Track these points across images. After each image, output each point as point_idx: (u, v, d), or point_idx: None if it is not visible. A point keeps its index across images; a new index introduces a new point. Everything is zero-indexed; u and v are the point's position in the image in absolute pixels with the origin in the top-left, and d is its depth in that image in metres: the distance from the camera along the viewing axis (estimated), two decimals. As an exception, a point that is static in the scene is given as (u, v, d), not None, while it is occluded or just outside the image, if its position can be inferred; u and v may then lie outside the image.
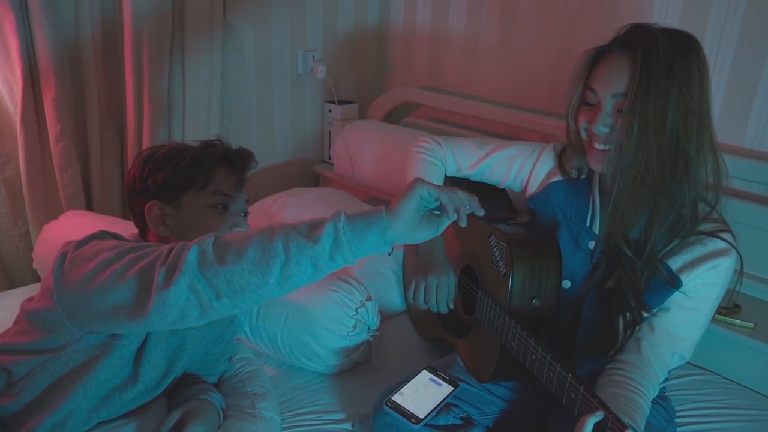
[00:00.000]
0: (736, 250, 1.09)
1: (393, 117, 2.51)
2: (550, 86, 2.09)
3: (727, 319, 1.49)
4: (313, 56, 2.45)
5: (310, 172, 2.64)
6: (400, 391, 1.21)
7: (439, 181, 1.36)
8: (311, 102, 2.55)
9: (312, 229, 0.84)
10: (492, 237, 1.24)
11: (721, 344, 1.48)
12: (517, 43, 2.15)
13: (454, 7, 2.31)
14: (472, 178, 1.42)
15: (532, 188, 1.31)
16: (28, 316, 1.04)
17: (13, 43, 1.70)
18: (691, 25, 1.67)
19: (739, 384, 1.47)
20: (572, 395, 0.96)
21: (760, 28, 1.56)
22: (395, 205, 0.85)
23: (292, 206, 1.93)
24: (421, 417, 1.15)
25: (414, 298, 1.36)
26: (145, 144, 1.99)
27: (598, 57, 1.09)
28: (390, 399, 1.19)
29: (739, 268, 1.10)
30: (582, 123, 1.12)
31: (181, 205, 1.12)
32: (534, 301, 1.18)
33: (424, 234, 0.88)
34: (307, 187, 2.19)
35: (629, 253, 1.07)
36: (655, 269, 1.07)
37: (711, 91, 1.05)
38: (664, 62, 0.99)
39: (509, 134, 2.18)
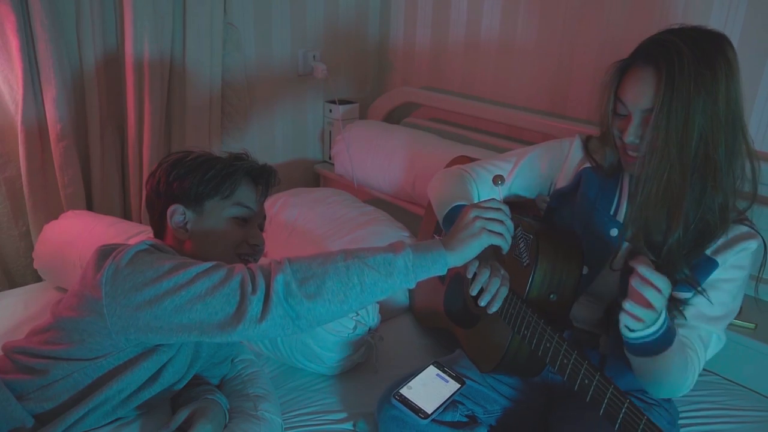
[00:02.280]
0: (761, 236, 1.11)
1: (393, 117, 2.51)
2: (550, 87, 2.09)
3: (728, 319, 1.49)
4: (314, 56, 2.45)
5: (310, 172, 2.64)
6: (408, 384, 1.21)
7: (473, 196, 1.34)
8: (312, 102, 2.55)
9: (385, 265, 0.96)
10: (519, 228, 1.24)
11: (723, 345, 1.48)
12: (519, 43, 2.15)
13: (455, 7, 2.31)
14: (506, 194, 1.41)
15: (563, 182, 1.31)
16: (62, 325, 1.04)
17: (14, 43, 1.70)
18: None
19: (741, 385, 1.47)
20: (586, 381, 0.98)
21: (760, 29, 1.56)
22: (456, 247, 0.99)
23: (292, 206, 1.93)
24: (429, 412, 1.16)
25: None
26: (146, 144, 1.99)
27: (624, 69, 1.11)
28: (398, 392, 1.19)
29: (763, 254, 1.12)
30: (615, 131, 1.15)
31: (203, 211, 1.16)
32: (551, 296, 1.18)
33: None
34: (307, 187, 2.19)
35: (650, 255, 1.09)
36: (676, 269, 1.08)
37: (742, 93, 1.06)
38: (688, 75, 1.00)
39: (509, 134, 2.18)
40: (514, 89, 2.20)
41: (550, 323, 1.07)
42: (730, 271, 1.10)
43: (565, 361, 1.02)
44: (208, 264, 0.99)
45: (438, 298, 1.55)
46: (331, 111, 2.52)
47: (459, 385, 1.22)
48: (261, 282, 0.95)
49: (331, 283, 0.94)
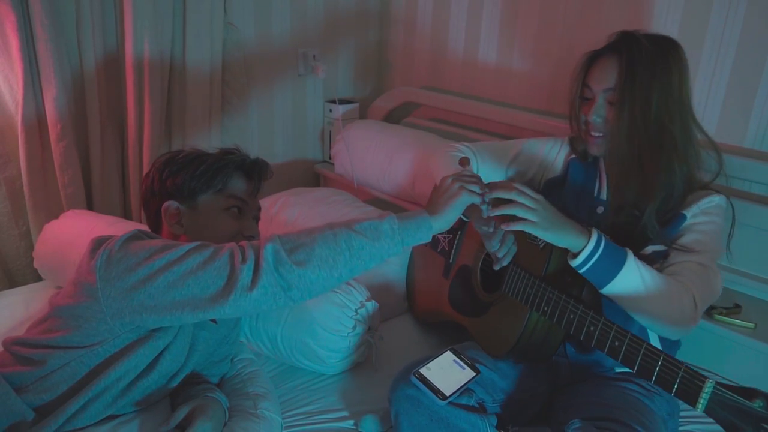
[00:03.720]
0: (726, 197, 1.23)
1: (394, 117, 2.52)
2: (550, 87, 2.09)
3: (727, 319, 1.49)
4: (314, 56, 2.45)
5: (310, 172, 2.64)
6: (427, 365, 1.22)
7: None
8: (312, 102, 2.56)
9: (371, 230, 0.99)
10: None
11: (722, 344, 1.49)
12: (519, 43, 2.15)
13: (454, 6, 2.32)
14: (509, 173, 1.51)
15: (555, 171, 1.44)
16: (59, 313, 1.06)
17: (14, 43, 1.70)
18: (692, 26, 1.67)
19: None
20: (616, 343, 1.03)
21: (760, 28, 1.56)
22: (438, 210, 1.04)
23: (292, 206, 1.93)
24: (447, 394, 1.17)
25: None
26: (146, 144, 1.99)
27: (592, 59, 1.27)
28: (418, 371, 1.20)
29: (731, 214, 1.24)
30: (582, 116, 1.30)
31: (197, 206, 1.19)
32: (567, 278, 1.21)
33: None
34: (307, 187, 2.19)
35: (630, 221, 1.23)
36: (649, 230, 1.20)
37: (690, 85, 1.22)
38: (646, 59, 1.17)
39: (509, 134, 2.18)
40: (514, 89, 2.20)
41: (572, 297, 1.12)
42: (699, 216, 1.20)
43: (592, 328, 1.07)
44: (198, 243, 1.02)
45: (442, 293, 1.56)
46: (331, 111, 2.52)
47: (474, 374, 1.24)
48: (251, 253, 0.97)
49: (320, 249, 0.97)
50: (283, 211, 1.92)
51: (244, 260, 0.96)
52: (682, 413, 1.32)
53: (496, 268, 1.19)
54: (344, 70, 2.60)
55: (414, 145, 2.11)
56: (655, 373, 0.95)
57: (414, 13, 2.49)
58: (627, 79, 1.17)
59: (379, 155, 2.18)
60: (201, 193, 1.19)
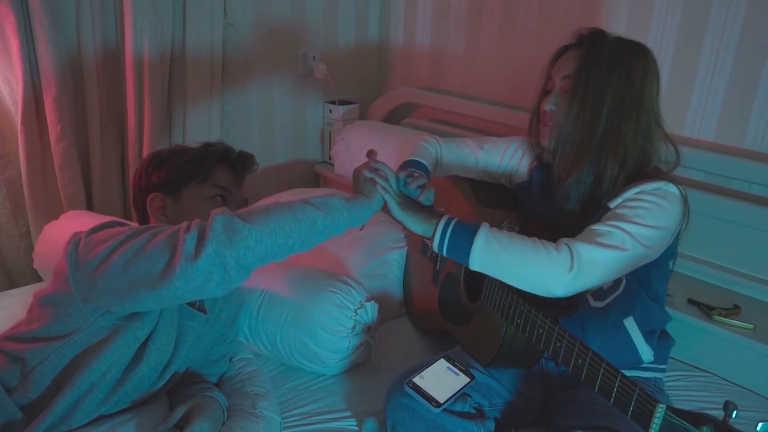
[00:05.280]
0: (676, 185, 1.16)
1: (393, 117, 2.52)
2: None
3: (726, 320, 1.49)
4: (314, 56, 2.45)
5: (310, 172, 2.64)
6: (420, 374, 1.23)
7: (429, 160, 1.43)
8: (312, 102, 2.56)
9: (322, 204, 1.02)
10: (505, 222, 1.29)
11: (721, 346, 1.49)
12: (519, 43, 2.15)
13: (454, 6, 2.32)
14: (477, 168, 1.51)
15: (521, 176, 1.44)
16: (40, 302, 1.08)
17: (14, 43, 1.71)
18: (692, 25, 1.67)
19: (739, 385, 1.47)
20: (579, 361, 1.01)
21: (760, 28, 1.56)
22: (364, 194, 1.13)
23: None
24: (441, 402, 1.17)
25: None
26: (146, 144, 1.99)
27: (560, 53, 1.26)
28: (411, 380, 1.21)
29: (682, 199, 1.16)
30: (540, 109, 1.29)
31: (182, 196, 1.20)
32: None
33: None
34: (307, 188, 2.19)
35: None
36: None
37: (658, 90, 1.20)
38: (608, 53, 1.16)
39: (509, 134, 2.17)
40: (514, 88, 2.20)
41: (543, 309, 1.11)
42: (633, 195, 1.15)
43: (558, 344, 1.05)
44: (160, 224, 1.04)
45: (433, 300, 1.56)
46: (331, 111, 2.52)
47: (469, 379, 1.24)
48: (197, 223, 0.97)
49: (276, 216, 0.98)
50: (283, 211, 1.92)
51: (188, 230, 0.95)
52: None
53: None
54: (344, 70, 2.60)
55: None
56: (614, 394, 0.94)
57: (414, 14, 2.49)
58: (584, 66, 1.17)
59: (379, 156, 2.17)
60: (185, 183, 1.20)
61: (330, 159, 2.51)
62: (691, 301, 1.58)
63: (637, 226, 1.10)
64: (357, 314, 1.45)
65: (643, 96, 1.17)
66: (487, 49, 2.25)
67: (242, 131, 2.32)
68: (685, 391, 1.44)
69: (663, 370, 1.31)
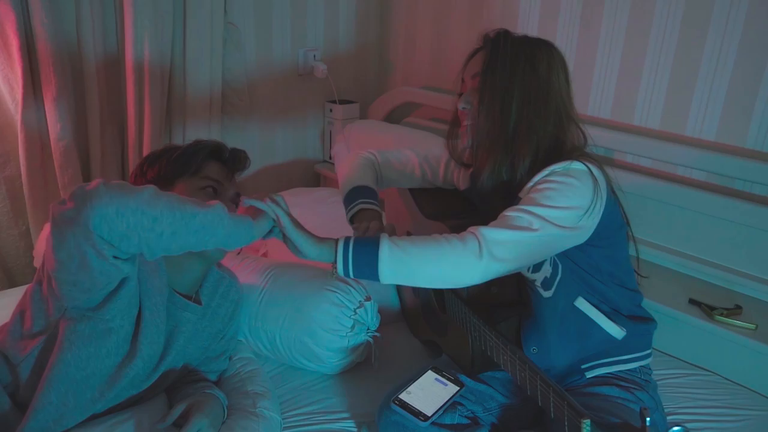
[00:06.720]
0: (580, 161, 1.16)
1: (394, 117, 2.51)
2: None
3: (728, 320, 1.49)
4: (314, 55, 2.45)
5: (311, 172, 2.64)
6: (407, 389, 1.22)
7: (371, 176, 1.44)
8: (312, 102, 2.55)
9: (206, 205, 1.00)
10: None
11: (723, 345, 1.48)
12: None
13: (454, 6, 2.31)
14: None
15: (465, 183, 1.44)
16: (28, 295, 1.11)
17: (14, 42, 1.70)
18: (694, 25, 1.67)
19: (741, 385, 1.47)
20: (523, 374, 1.04)
21: (762, 27, 1.56)
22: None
23: (292, 206, 1.89)
24: (429, 415, 1.16)
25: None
26: (146, 143, 1.99)
27: (470, 57, 1.28)
28: (397, 397, 1.20)
29: (589, 174, 1.15)
30: (457, 110, 1.29)
31: (174, 189, 1.21)
32: (493, 288, 1.23)
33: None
34: (307, 187, 2.18)
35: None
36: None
37: (567, 78, 1.23)
38: (511, 48, 1.20)
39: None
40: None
41: (497, 314, 1.14)
42: (536, 186, 1.15)
43: (505, 357, 1.08)
44: None
45: (419, 311, 1.57)
46: (331, 111, 2.52)
47: (458, 388, 1.23)
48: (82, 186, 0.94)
49: (151, 198, 0.94)
50: (283, 211, 1.91)
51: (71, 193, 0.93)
52: (666, 409, 1.31)
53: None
54: (344, 70, 2.60)
55: (414, 145, 2.10)
56: (551, 408, 0.93)
57: (414, 13, 2.48)
58: (490, 61, 1.19)
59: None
60: (178, 176, 1.22)
61: (330, 158, 2.51)
62: (692, 301, 1.57)
63: (545, 208, 1.09)
64: (356, 313, 1.45)
65: (550, 85, 1.20)
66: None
67: (243, 130, 2.31)
68: (687, 390, 1.44)
69: (647, 356, 1.26)
